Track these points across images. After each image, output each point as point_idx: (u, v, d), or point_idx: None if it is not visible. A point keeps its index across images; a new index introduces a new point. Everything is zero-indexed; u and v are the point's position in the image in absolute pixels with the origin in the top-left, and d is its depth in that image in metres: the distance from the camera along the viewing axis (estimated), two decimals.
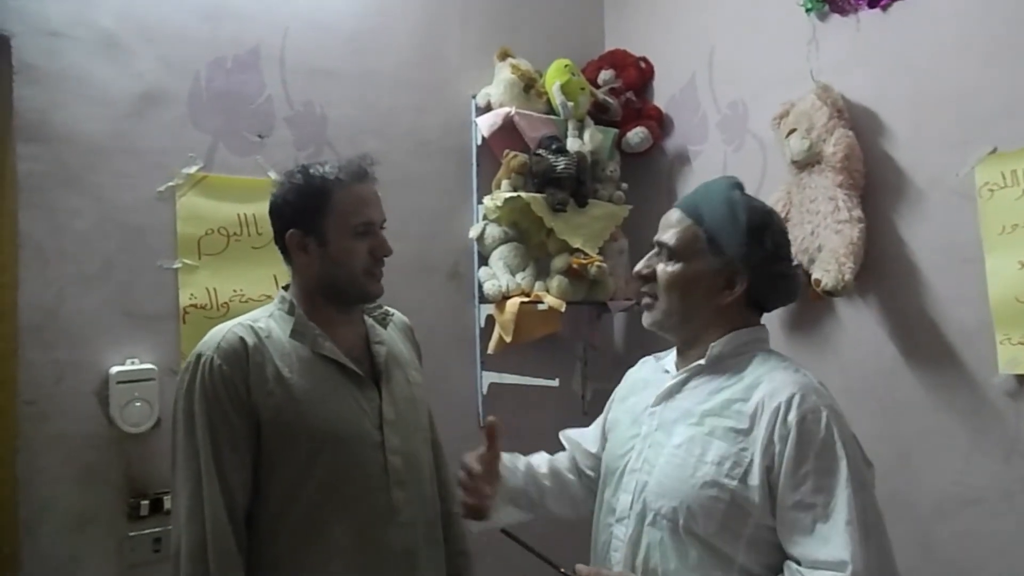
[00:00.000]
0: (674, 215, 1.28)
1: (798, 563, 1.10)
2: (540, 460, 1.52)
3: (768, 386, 1.16)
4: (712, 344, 1.24)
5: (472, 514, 1.35)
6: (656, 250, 1.28)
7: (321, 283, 1.38)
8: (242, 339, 1.31)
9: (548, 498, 1.46)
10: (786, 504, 1.10)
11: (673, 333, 1.30)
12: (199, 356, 1.30)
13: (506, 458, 1.43)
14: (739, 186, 1.30)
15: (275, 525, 1.29)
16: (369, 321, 1.48)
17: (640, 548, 1.19)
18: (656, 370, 1.39)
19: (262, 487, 1.30)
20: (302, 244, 1.37)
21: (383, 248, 1.40)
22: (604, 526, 1.29)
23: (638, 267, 1.30)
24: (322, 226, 1.36)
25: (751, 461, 1.12)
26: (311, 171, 1.38)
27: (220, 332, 1.32)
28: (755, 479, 1.11)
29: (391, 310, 1.55)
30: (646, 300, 1.29)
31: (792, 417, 1.11)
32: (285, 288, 1.44)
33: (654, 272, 1.27)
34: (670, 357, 1.37)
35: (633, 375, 1.46)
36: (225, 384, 1.27)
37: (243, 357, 1.29)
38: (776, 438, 1.11)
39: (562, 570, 1.22)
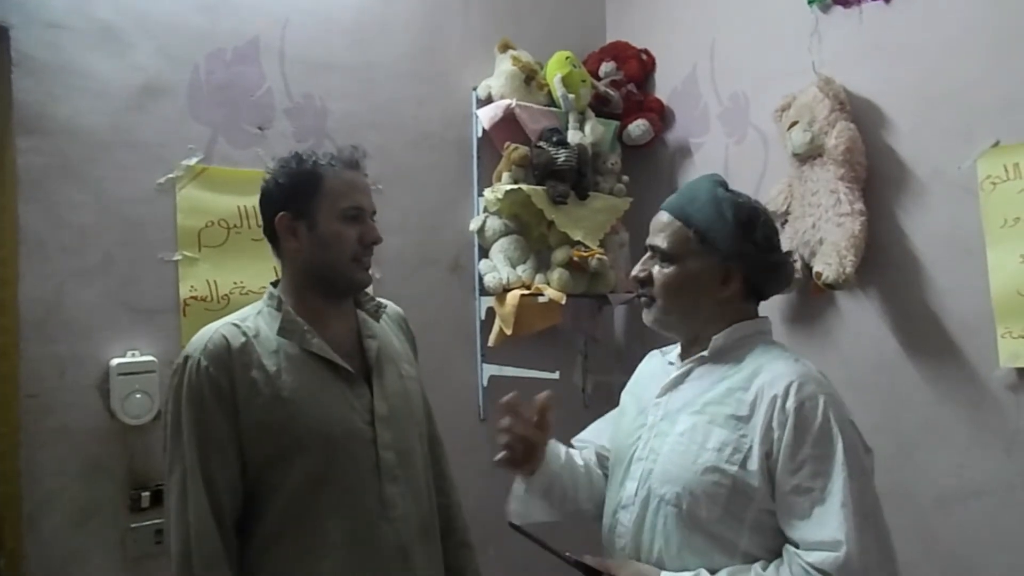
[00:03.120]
0: (663, 218, 1.30)
1: (796, 546, 1.12)
2: (574, 451, 1.48)
3: (767, 375, 1.19)
4: (715, 336, 1.25)
5: (515, 463, 1.30)
6: (649, 253, 1.31)
7: (310, 270, 1.37)
8: (228, 340, 1.30)
9: (581, 491, 1.40)
10: (784, 489, 1.13)
11: (674, 331, 1.33)
12: (186, 358, 1.29)
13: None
14: (722, 183, 1.31)
15: (266, 525, 1.29)
16: (361, 315, 1.47)
17: (644, 533, 1.21)
18: (661, 364, 1.41)
19: (252, 487, 1.29)
20: (292, 228, 1.36)
21: (371, 234, 1.39)
22: (610, 513, 1.31)
23: (634, 271, 1.32)
24: (312, 209, 1.35)
25: (750, 447, 1.15)
26: (303, 156, 1.39)
27: (207, 333, 1.32)
28: (754, 464, 1.14)
29: (384, 302, 1.53)
30: (644, 300, 1.32)
31: (790, 404, 1.14)
32: (274, 284, 1.43)
33: (651, 275, 1.29)
34: (674, 351, 1.38)
35: (641, 368, 1.48)
36: (212, 385, 1.26)
37: (229, 358, 1.28)
38: (775, 424, 1.14)
39: (569, 555, 1.23)
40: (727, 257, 1.24)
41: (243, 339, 1.31)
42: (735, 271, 1.25)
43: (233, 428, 1.27)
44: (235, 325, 1.33)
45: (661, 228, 1.29)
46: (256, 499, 1.30)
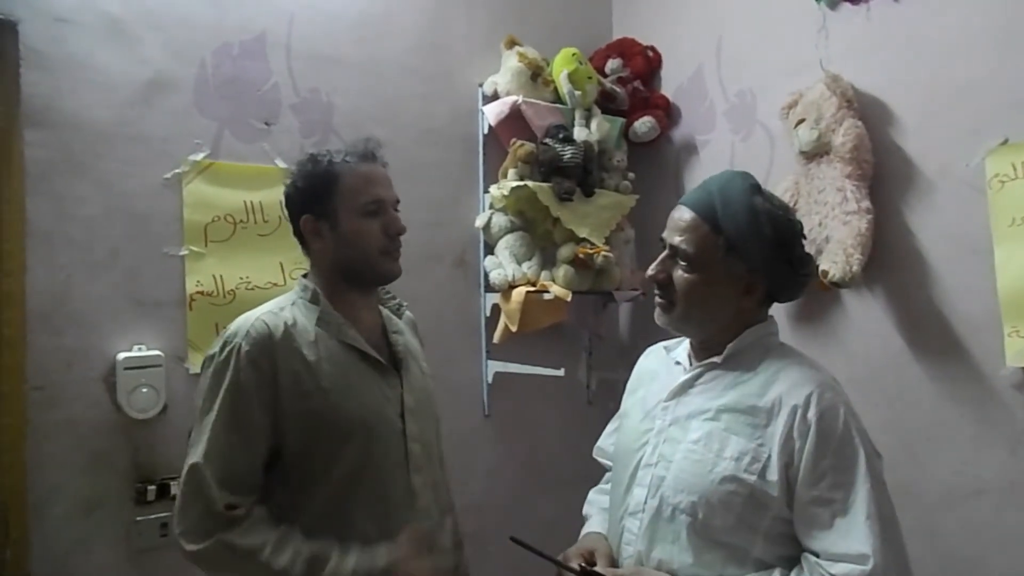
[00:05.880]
0: (686, 216, 1.22)
1: (816, 556, 1.10)
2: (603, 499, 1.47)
3: (784, 383, 1.17)
4: (729, 345, 1.23)
5: None
6: (668, 252, 1.24)
7: (338, 267, 1.39)
8: (270, 327, 1.30)
9: None
10: (804, 499, 1.11)
11: (688, 334, 1.30)
12: (226, 343, 1.28)
13: (596, 526, 1.41)
14: (757, 188, 1.24)
15: (298, 513, 1.29)
16: (385, 311, 1.49)
17: (655, 542, 1.20)
18: (666, 361, 1.38)
19: (287, 476, 1.29)
20: (316, 229, 1.38)
21: (395, 225, 1.39)
22: (615, 520, 1.29)
23: (651, 271, 1.26)
24: (332, 208, 1.36)
25: (769, 456, 1.13)
26: (318, 157, 1.39)
27: (248, 320, 1.31)
28: (773, 474, 1.12)
29: (403, 302, 1.56)
30: (661, 303, 1.26)
31: (811, 414, 1.12)
32: (304, 276, 1.44)
33: (669, 277, 1.23)
34: (681, 348, 1.36)
35: (641, 365, 1.45)
36: (255, 372, 1.26)
37: (272, 345, 1.28)
38: (795, 435, 1.12)
39: (576, 564, 1.22)
40: (755, 269, 1.20)
41: (283, 328, 1.31)
42: (760, 282, 1.22)
43: (268, 420, 1.27)
44: (275, 314, 1.34)
45: (685, 228, 1.21)
46: (290, 487, 1.29)
